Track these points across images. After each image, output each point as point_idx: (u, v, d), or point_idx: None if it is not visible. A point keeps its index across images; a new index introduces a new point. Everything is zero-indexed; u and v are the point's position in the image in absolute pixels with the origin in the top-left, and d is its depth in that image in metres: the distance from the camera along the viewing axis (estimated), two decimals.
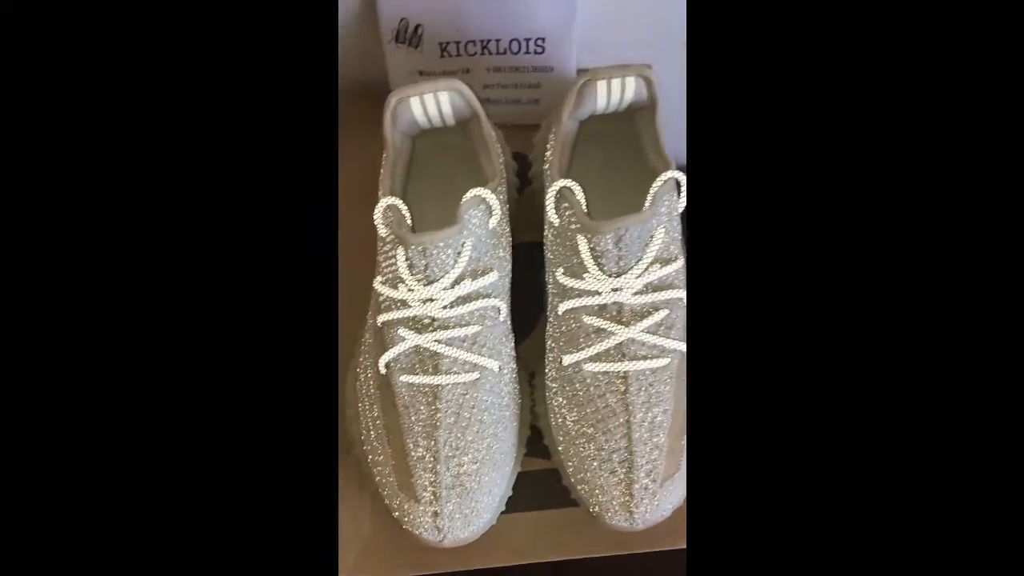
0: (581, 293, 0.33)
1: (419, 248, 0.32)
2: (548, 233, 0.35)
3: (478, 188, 0.33)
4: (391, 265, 0.34)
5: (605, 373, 0.32)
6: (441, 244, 0.32)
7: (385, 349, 0.34)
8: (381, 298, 0.35)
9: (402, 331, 0.34)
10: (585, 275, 0.33)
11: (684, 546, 0.35)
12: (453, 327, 0.33)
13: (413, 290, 0.33)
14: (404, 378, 0.34)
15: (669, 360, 0.33)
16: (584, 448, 0.33)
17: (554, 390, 0.35)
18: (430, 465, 0.33)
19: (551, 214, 0.34)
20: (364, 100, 0.45)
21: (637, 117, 0.37)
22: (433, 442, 0.33)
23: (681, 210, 0.34)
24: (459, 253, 0.33)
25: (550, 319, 0.35)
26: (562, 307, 0.34)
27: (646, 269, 0.32)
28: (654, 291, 0.32)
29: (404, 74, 0.45)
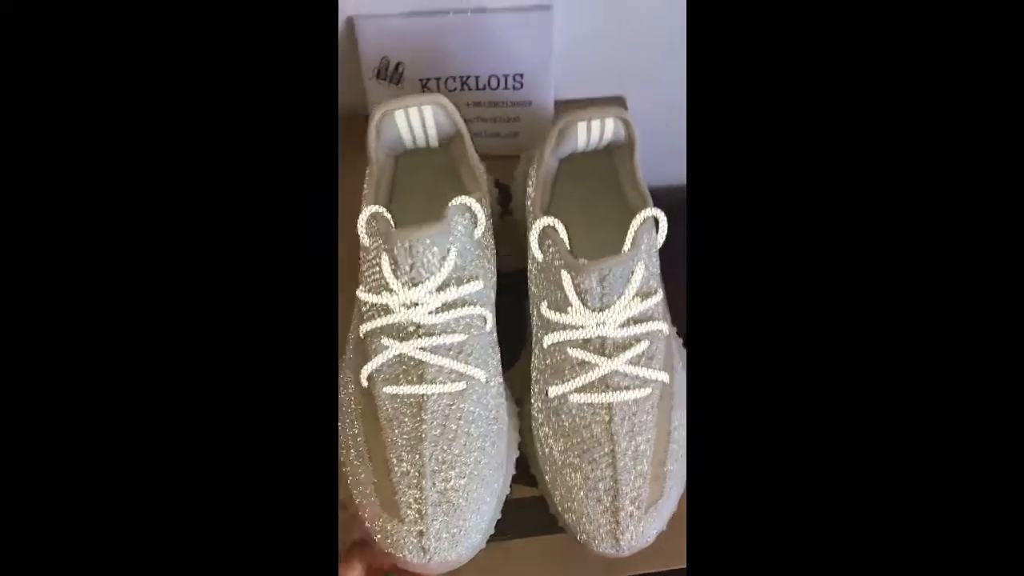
0: (566, 327, 0.34)
1: (405, 246, 0.32)
2: (532, 267, 0.36)
3: (463, 196, 0.34)
4: (374, 273, 0.34)
5: (590, 404, 0.34)
6: (428, 241, 0.32)
7: (367, 359, 0.34)
8: (364, 307, 0.34)
9: (385, 340, 0.33)
10: (569, 309, 0.34)
11: (669, 568, 0.37)
12: (439, 334, 0.33)
13: (397, 293, 0.33)
14: (388, 389, 0.33)
15: (651, 390, 0.34)
16: (570, 478, 0.34)
17: (540, 420, 0.35)
18: (415, 481, 0.32)
19: (535, 250, 0.35)
20: (345, 121, 0.46)
21: (616, 155, 0.38)
22: (418, 455, 0.32)
23: (660, 246, 0.35)
24: (444, 257, 0.33)
25: (535, 351, 0.36)
26: (547, 340, 0.35)
27: (627, 304, 0.33)
28: (635, 324, 0.34)
29: None
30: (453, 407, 0.33)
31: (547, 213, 0.36)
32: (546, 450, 0.35)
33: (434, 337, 0.33)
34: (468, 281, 0.34)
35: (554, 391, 0.34)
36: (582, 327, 0.34)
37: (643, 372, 0.34)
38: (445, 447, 0.33)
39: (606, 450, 0.33)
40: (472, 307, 0.34)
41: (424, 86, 0.45)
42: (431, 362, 0.33)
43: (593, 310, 0.33)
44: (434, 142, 0.37)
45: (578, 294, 0.33)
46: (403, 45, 0.43)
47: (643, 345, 0.34)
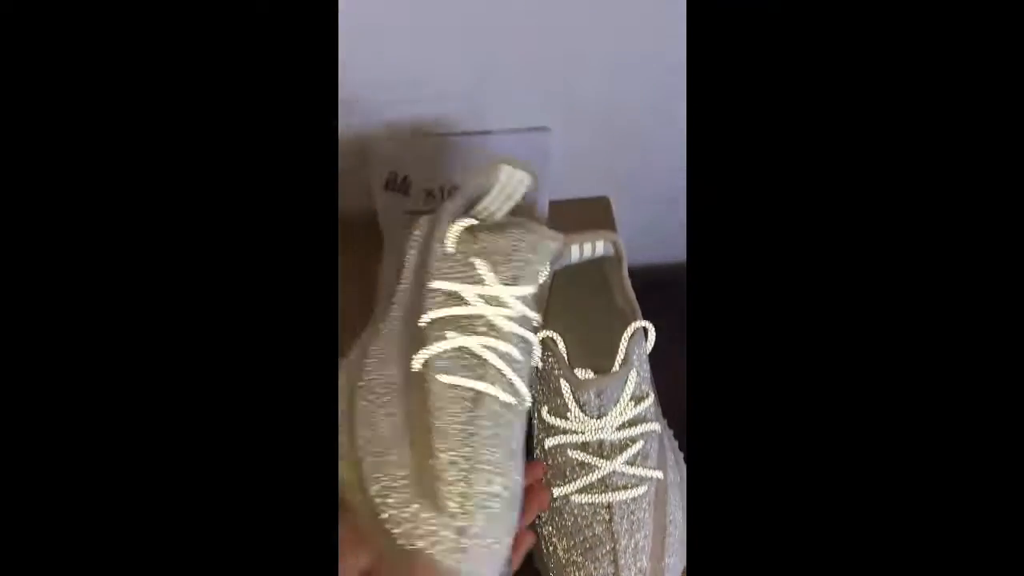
0: (566, 431, 0.37)
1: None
2: (534, 373, 0.39)
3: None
4: (453, 270, 0.34)
5: (591, 504, 0.36)
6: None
7: (424, 345, 0.33)
8: (435, 296, 0.34)
9: (449, 333, 0.33)
10: (569, 415, 0.37)
11: None
12: (504, 339, 0.33)
13: (485, 302, 0.34)
14: (444, 377, 0.32)
15: (647, 488, 0.36)
16: (574, 575, 0.36)
17: (543, 519, 0.38)
18: (463, 474, 0.30)
19: (536, 359, 0.38)
20: (357, 226, 0.49)
21: (606, 266, 0.41)
22: (470, 448, 0.31)
23: (648, 351, 0.38)
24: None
25: (536, 452, 0.39)
26: (548, 442, 0.37)
27: (623, 409, 0.36)
28: (630, 426, 0.37)
29: (394, 215, 0.50)
30: (503, 417, 0.33)
31: (545, 318, 0.39)
32: (549, 548, 0.37)
33: (500, 342, 0.33)
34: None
35: (557, 492, 0.37)
36: (582, 432, 0.36)
37: (639, 471, 0.36)
38: (496, 451, 0.31)
39: (608, 548, 0.35)
40: (532, 335, 0.35)
41: (428, 194, 0.49)
42: (492, 362, 0.33)
43: (591, 417, 0.36)
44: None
45: (577, 403, 0.36)
46: (410, 160, 0.47)
47: (639, 445, 0.36)
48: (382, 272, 0.43)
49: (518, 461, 0.33)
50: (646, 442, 0.37)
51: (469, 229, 0.35)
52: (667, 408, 0.41)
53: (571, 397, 0.36)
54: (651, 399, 0.38)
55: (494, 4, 0.39)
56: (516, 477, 0.32)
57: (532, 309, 0.35)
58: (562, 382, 0.36)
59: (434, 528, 0.29)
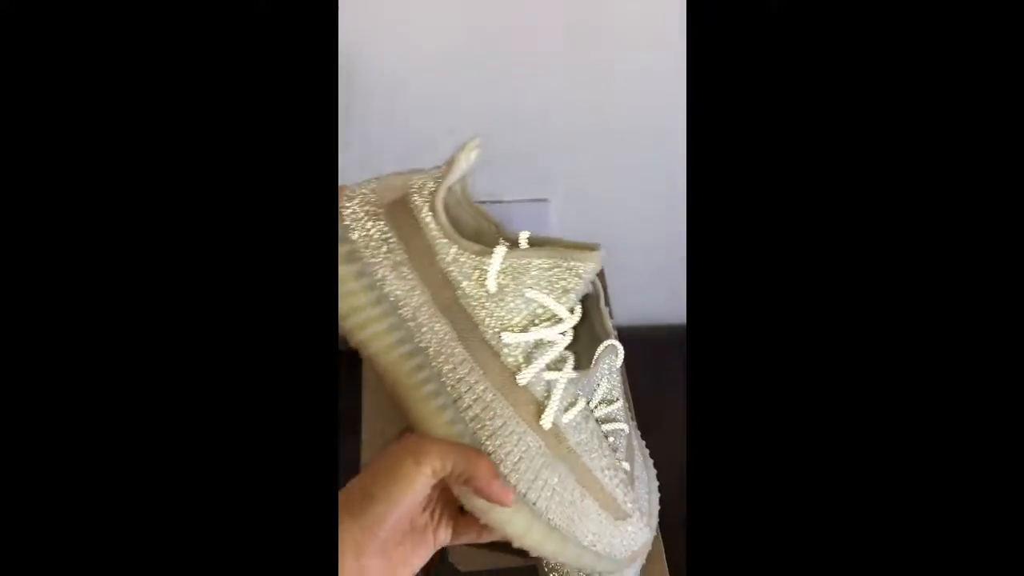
0: None
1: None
2: None
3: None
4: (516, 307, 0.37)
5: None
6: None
7: (536, 402, 0.37)
8: (512, 351, 0.37)
9: (547, 375, 0.37)
10: None
11: None
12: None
13: (564, 321, 0.38)
14: (566, 417, 0.37)
15: None
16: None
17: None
18: (625, 481, 0.39)
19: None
20: None
21: (588, 301, 0.51)
22: (606, 457, 0.38)
23: (619, 366, 0.48)
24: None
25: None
26: None
27: (595, 407, 0.45)
28: (602, 423, 0.46)
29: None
30: (592, 414, 0.42)
31: None
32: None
33: (572, 356, 0.39)
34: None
35: None
36: None
37: None
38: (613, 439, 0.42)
39: None
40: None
41: None
42: (577, 377, 0.40)
43: None
44: None
45: None
46: None
47: (608, 439, 0.45)
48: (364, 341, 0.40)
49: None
50: (615, 437, 0.46)
51: (510, 265, 0.37)
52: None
53: None
54: (620, 404, 0.47)
55: (505, 93, 0.49)
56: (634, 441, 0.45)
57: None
58: None
59: (632, 531, 0.38)
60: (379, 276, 0.37)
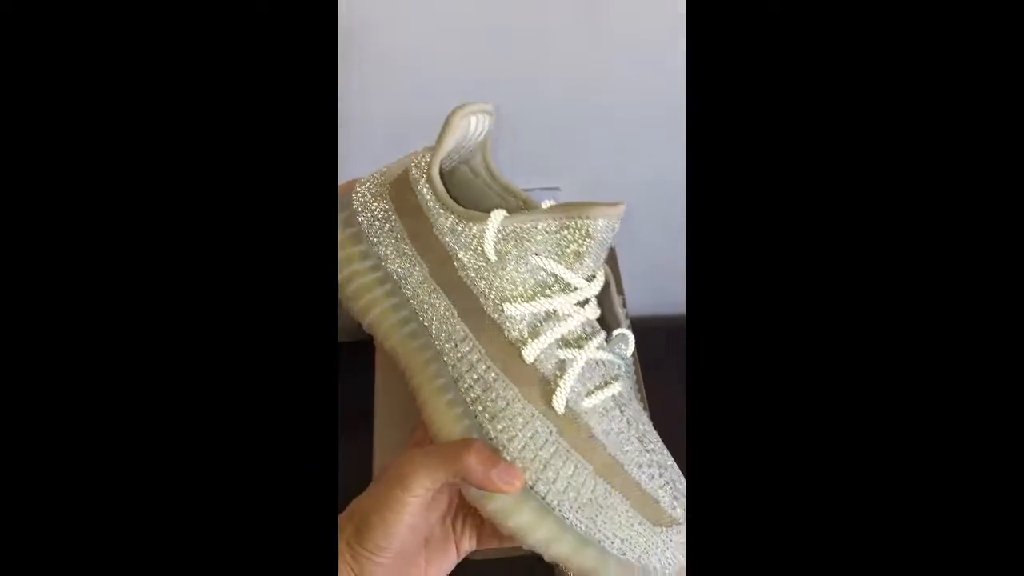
0: None
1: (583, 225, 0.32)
2: None
3: None
4: (520, 275, 0.33)
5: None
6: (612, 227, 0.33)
7: (548, 384, 0.33)
8: (518, 326, 0.33)
9: (561, 352, 0.33)
10: None
11: None
12: (598, 329, 0.34)
13: (577, 290, 0.33)
14: (588, 402, 0.33)
15: None
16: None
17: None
18: (664, 479, 0.33)
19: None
20: None
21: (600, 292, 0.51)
22: (648, 455, 0.33)
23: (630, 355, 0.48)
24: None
25: None
26: None
27: None
28: None
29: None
30: (632, 398, 0.35)
31: None
32: None
33: (599, 335, 0.34)
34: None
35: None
36: None
37: None
38: (652, 438, 0.34)
39: None
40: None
41: None
42: (607, 359, 0.34)
43: None
44: None
45: None
46: None
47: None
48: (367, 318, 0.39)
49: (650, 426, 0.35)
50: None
51: (507, 229, 0.33)
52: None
53: None
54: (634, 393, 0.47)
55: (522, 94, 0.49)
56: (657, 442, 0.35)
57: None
58: None
59: (680, 541, 0.32)
60: (382, 255, 0.36)
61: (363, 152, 0.45)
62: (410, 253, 0.36)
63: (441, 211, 0.35)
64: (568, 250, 0.33)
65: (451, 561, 0.35)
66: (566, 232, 0.33)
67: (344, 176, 0.39)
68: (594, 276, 0.34)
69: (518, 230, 0.33)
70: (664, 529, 0.32)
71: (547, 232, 0.33)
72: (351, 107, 0.48)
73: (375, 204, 0.37)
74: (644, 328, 0.48)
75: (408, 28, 0.47)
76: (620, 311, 0.50)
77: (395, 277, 0.36)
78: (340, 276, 0.37)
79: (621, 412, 0.34)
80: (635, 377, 0.47)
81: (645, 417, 0.35)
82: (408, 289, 0.36)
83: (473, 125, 0.36)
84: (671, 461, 0.35)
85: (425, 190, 0.35)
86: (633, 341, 0.47)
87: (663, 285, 0.63)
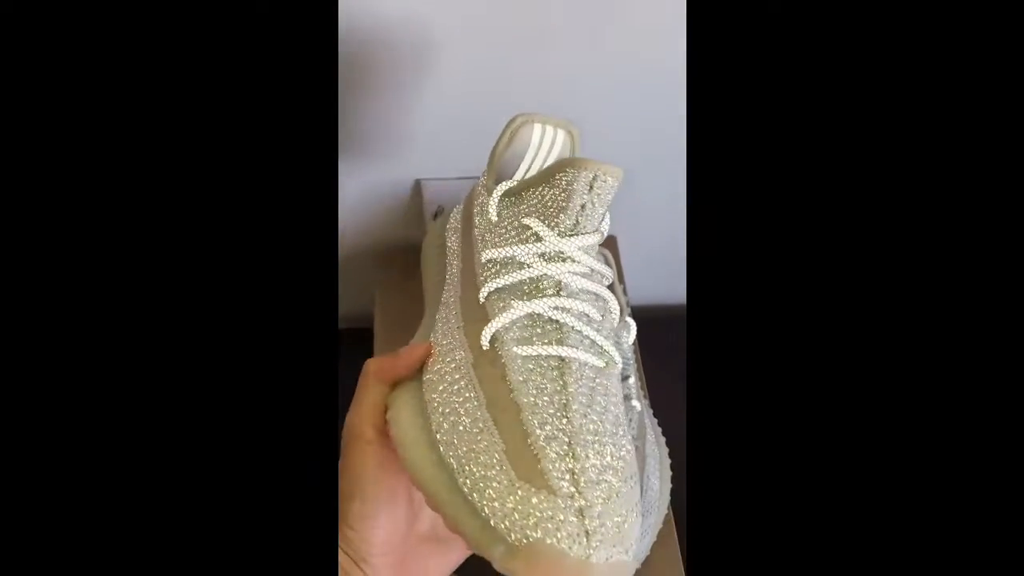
0: None
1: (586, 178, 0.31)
2: None
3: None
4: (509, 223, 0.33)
5: None
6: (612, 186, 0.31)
7: (487, 322, 0.31)
8: (486, 269, 0.33)
9: (514, 302, 0.31)
10: None
11: None
12: (579, 297, 0.32)
13: (544, 240, 0.32)
14: (520, 349, 0.30)
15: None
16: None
17: None
18: (566, 448, 0.26)
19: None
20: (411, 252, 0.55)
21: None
22: (567, 421, 0.27)
23: (631, 343, 0.48)
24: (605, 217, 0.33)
25: None
26: None
27: None
28: None
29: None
30: (597, 381, 0.30)
31: None
32: None
33: (573, 301, 0.31)
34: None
35: None
36: None
37: None
38: (596, 419, 0.28)
39: None
40: (607, 292, 0.33)
41: None
42: (569, 324, 0.31)
43: None
44: None
45: None
46: (455, 197, 0.58)
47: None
48: (424, 284, 0.43)
49: (625, 428, 0.30)
50: (628, 412, 0.46)
51: (509, 192, 0.34)
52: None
53: None
54: (632, 381, 0.47)
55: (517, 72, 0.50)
56: (627, 446, 0.29)
57: (601, 263, 0.33)
58: None
59: (549, 513, 0.25)
60: (448, 247, 0.39)
61: (364, 152, 0.46)
62: (456, 239, 0.40)
63: (480, 189, 0.38)
64: (551, 207, 0.32)
65: (459, 553, 0.35)
66: (547, 189, 0.32)
67: (345, 176, 0.39)
68: (575, 234, 0.32)
69: (516, 192, 0.34)
70: (542, 492, 0.26)
71: (538, 193, 0.32)
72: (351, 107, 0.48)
73: (454, 216, 0.42)
74: (646, 318, 0.48)
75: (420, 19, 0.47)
76: (622, 299, 0.51)
77: (447, 256, 0.40)
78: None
79: (563, 377, 0.29)
80: (635, 365, 0.48)
81: (619, 408, 0.31)
82: (452, 266, 0.39)
83: (537, 135, 0.36)
84: (635, 438, 0.33)
85: (480, 188, 0.38)
86: (635, 329, 0.47)
87: (665, 275, 0.63)
